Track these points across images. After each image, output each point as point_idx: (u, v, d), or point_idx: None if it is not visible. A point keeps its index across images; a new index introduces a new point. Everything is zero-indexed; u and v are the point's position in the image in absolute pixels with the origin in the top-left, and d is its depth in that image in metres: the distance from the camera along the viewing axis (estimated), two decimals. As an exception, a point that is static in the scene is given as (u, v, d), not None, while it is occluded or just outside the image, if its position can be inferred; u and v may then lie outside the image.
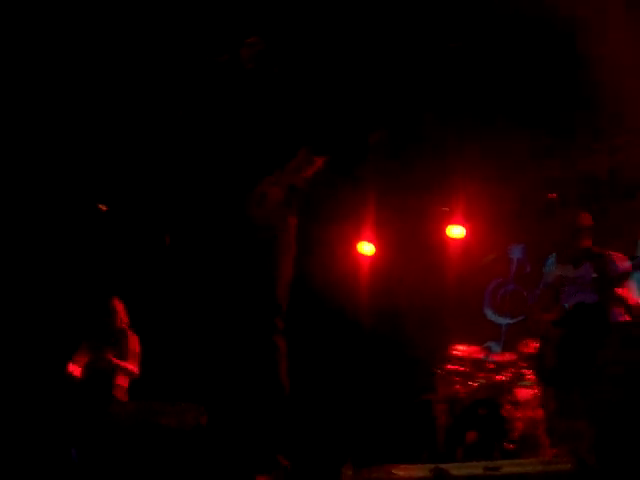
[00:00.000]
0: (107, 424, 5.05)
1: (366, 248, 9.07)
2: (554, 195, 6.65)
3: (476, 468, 3.70)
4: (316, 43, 5.57)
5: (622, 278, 5.25)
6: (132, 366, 6.75)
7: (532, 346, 6.66)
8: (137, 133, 7.04)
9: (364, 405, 8.44)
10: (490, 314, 8.83)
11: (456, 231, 8.68)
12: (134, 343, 6.87)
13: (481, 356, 7.47)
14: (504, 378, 6.84)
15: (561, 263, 5.75)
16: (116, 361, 6.65)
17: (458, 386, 7.18)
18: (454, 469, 3.63)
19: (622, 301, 5.46)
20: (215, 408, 3.97)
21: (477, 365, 7.33)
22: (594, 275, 5.40)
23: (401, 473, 3.65)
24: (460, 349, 7.41)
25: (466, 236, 8.73)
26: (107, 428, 5.01)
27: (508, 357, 7.15)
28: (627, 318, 5.39)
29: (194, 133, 3.82)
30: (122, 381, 6.74)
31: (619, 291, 5.47)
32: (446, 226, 8.75)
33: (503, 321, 8.66)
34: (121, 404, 6.47)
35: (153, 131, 6.45)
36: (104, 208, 7.83)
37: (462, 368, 7.33)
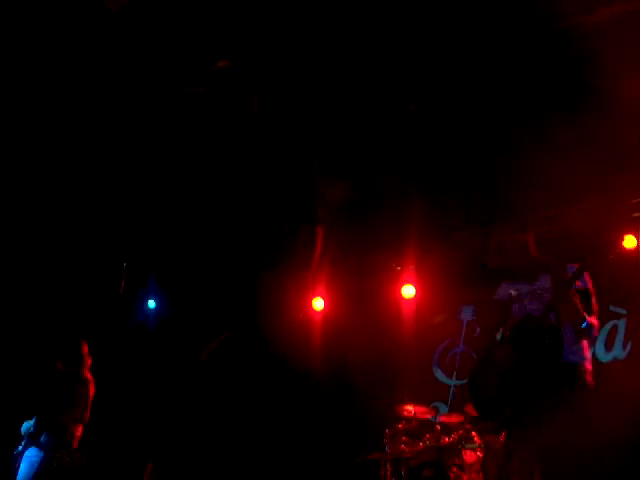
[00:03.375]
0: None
1: (318, 304, 9.08)
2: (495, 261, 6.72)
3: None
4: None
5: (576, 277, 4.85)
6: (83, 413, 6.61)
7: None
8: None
9: (311, 461, 8.35)
10: (439, 374, 8.86)
11: (408, 291, 8.73)
12: (89, 388, 6.73)
13: (429, 416, 7.47)
14: (451, 440, 6.83)
15: (512, 281, 5.55)
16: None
17: (404, 446, 7.15)
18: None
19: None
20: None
21: (424, 425, 7.33)
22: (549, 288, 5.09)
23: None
24: (408, 409, 7.40)
25: (417, 296, 8.78)
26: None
27: (455, 418, 7.17)
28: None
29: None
30: (73, 429, 6.58)
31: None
32: (398, 284, 8.79)
33: (451, 382, 8.69)
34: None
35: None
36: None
37: (410, 428, 7.32)
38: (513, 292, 5.06)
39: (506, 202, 6.93)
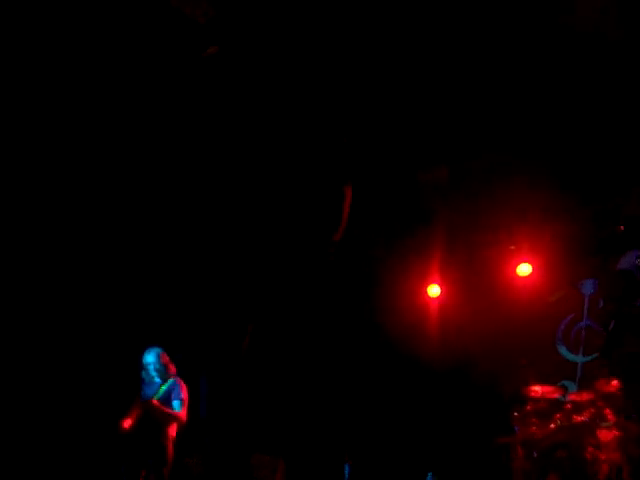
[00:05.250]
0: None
1: (434, 290, 9.00)
2: (622, 227, 6.42)
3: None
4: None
5: None
6: (180, 413, 6.85)
7: (612, 384, 6.47)
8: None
9: (441, 450, 8.30)
10: (564, 352, 8.62)
11: (524, 269, 8.53)
12: (183, 391, 6.98)
13: (557, 396, 7.28)
14: (584, 419, 6.61)
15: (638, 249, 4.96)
16: (165, 409, 6.76)
17: (535, 428, 6.99)
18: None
19: None
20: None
21: (554, 405, 7.15)
22: None
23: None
24: (535, 389, 7.24)
25: (534, 273, 8.58)
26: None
27: (586, 396, 6.92)
28: None
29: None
30: (171, 429, 6.83)
31: None
32: (513, 264, 8.61)
33: (578, 359, 8.45)
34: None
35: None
36: None
37: (539, 409, 7.15)
38: (638, 260, 4.77)
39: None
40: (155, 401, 6.79)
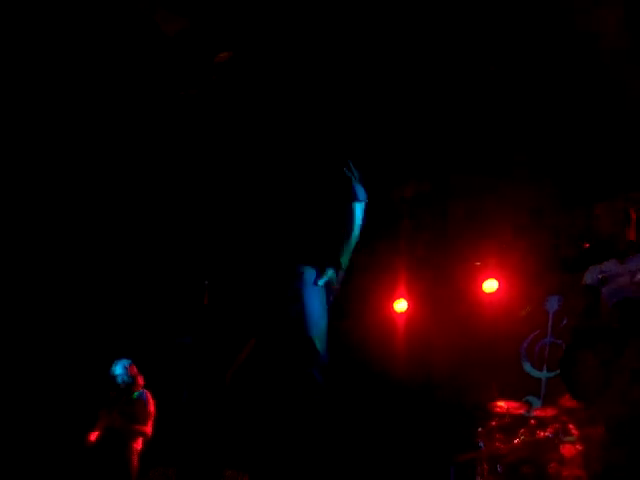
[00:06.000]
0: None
1: (400, 305, 9.03)
2: (586, 245, 6.49)
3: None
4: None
5: None
6: (145, 428, 6.77)
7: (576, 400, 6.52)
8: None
9: (405, 466, 8.29)
10: (528, 368, 8.69)
11: (490, 285, 8.61)
12: (149, 405, 6.90)
13: (522, 411, 7.32)
14: (547, 434, 6.67)
15: (600, 262, 4.94)
16: (128, 423, 6.69)
17: (499, 443, 7.03)
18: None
19: None
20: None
21: (518, 421, 7.19)
22: None
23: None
24: (500, 405, 7.27)
25: (500, 290, 8.66)
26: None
27: (550, 412, 6.98)
28: None
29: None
30: (136, 443, 6.76)
31: None
32: (480, 280, 8.68)
33: (542, 375, 8.52)
34: (160, 472, 6.46)
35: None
36: None
37: (503, 424, 7.19)
38: (602, 274, 4.77)
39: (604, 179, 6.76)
40: (119, 414, 6.72)
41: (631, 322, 4.33)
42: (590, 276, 4.82)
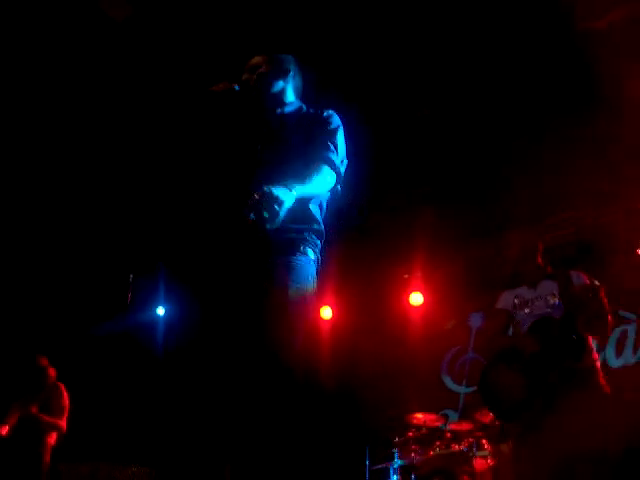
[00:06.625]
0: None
1: (326, 312, 9.07)
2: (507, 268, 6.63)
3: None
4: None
5: (588, 291, 4.32)
6: (60, 422, 6.66)
7: (491, 415, 6.66)
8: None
9: (319, 471, 8.30)
10: (448, 382, 8.83)
11: (416, 298, 8.73)
12: (63, 398, 6.79)
13: (438, 424, 7.44)
14: (461, 447, 6.79)
15: (513, 288, 5.02)
16: (43, 417, 6.57)
17: (414, 454, 7.12)
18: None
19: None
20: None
21: (435, 433, 7.30)
22: (555, 292, 4.70)
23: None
24: (418, 417, 7.38)
25: (426, 303, 8.77)
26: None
27: (465, 426, 7.12)
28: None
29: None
30: (50, 438, 6.64)
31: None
32: (406, 293, 8.78)
33: (461, 389, 8.66)
34: (71, 467, 6.37)
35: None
36: None
37: (420, 436, 7.29)
38: (516, 300, 4.88)
39: (517, 209, 6.94)
40: (34, 408, 6.58)
41: (548, 341, 4.44)
42: (504, 300, 4.97)
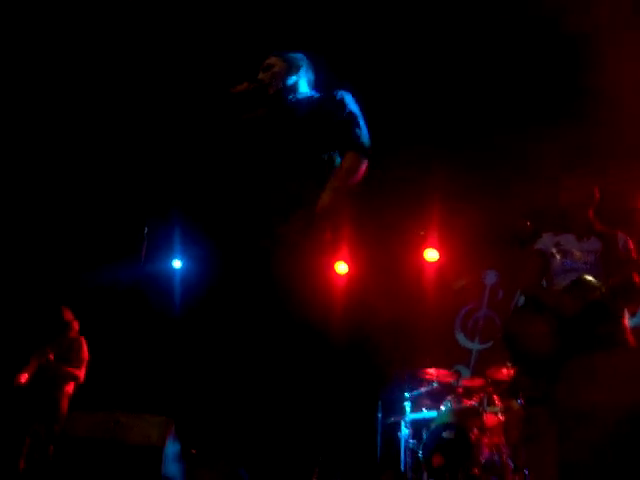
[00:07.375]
0: (66, 438, 4.89)
1: (341, 267, 9.09)
2: (527, 222, 6.57)
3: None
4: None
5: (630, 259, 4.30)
6: (78, 372, 6.79)
7: (502, 372, 6.71)
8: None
9: (331, 422, 8.41)
10: (461, 338, 8.88)
11: (430, 254, 8.73)
12: (83, 351, 6.92)
13: (450, 380, 7.50)
14: (473, 403, 6.85)
15: (556, 232, 4.83)
16: (61, 366, 6.70)
17: (426, 409, 7.20)
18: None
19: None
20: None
21: (447, 388, 7.36)
22: (601, 251, 4.54)
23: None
24: (430, 372, 7.44)
25: (440, 260, 8.78)
26: (66, 443, 4.82)
27: (477, 382, 7.18)
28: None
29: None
30: (67, 386, 6.78)
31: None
32: (421, 249, 8.78)
33: (473, 346, 8.71)
34: (82, 415, 6.48)
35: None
36: None
37: (432, 391, 7.36)
38: (555, 247, 4.66)
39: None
40: (53, 357, 6.70)
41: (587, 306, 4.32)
42: (544, 242, 4.77)
